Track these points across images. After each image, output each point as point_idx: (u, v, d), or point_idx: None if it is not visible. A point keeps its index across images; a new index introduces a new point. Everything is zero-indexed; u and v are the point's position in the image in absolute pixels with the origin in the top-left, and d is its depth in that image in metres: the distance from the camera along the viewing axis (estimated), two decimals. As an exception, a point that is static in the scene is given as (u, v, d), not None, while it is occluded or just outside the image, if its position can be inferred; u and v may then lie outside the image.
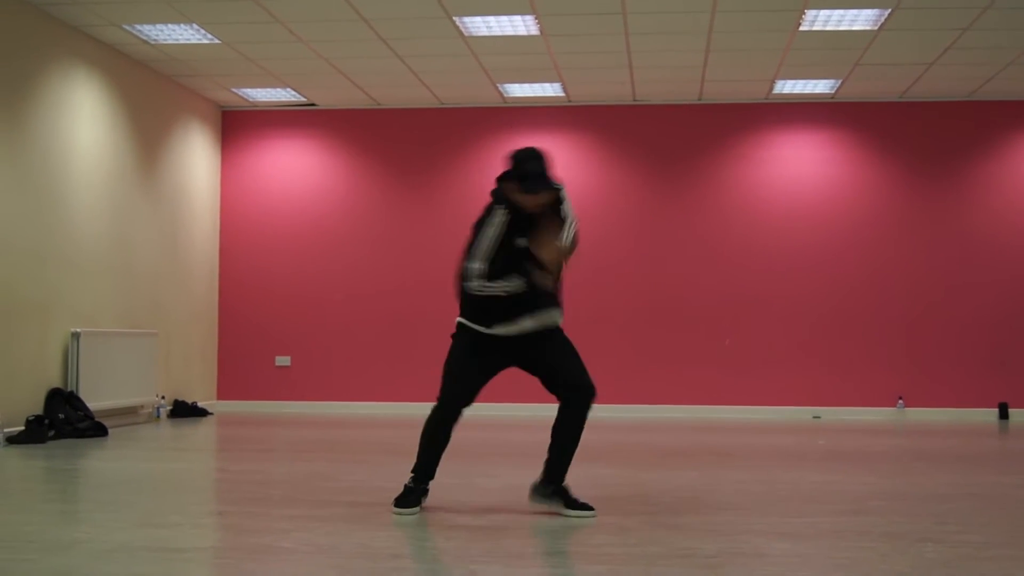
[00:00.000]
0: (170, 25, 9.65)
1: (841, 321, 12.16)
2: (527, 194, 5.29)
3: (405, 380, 12.39)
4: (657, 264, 12.36)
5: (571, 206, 5.58)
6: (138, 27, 9.72)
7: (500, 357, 5.50)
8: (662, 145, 12.46)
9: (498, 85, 11.74)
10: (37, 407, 9.08)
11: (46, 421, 8.93)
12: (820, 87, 11.72)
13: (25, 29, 9.04)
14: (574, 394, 5.38)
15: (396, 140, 12.69)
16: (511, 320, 5.37)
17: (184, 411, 11.53)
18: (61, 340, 9.48)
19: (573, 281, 12.29)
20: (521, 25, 9.57)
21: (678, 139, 12.44)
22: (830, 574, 4.04)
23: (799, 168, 12.30)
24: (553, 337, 5.51)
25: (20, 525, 4.97)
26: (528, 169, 5.32)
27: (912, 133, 12.23)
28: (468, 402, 5.53)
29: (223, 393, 12.76)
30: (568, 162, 12.53)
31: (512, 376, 12.60)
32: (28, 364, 9.02)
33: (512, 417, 11.71)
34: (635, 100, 12.39)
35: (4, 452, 8.04)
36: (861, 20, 9.43)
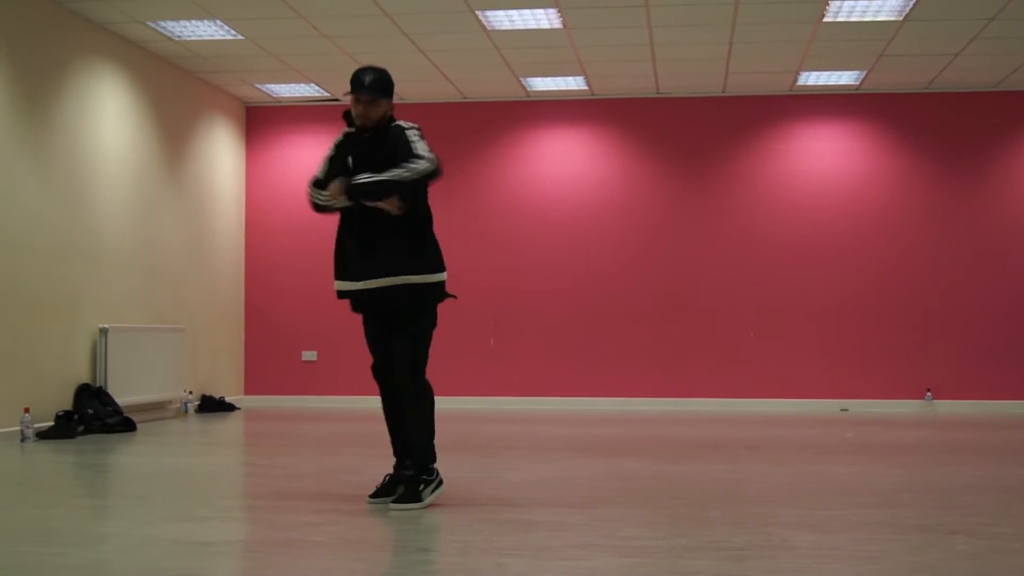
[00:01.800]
0: (194, 21, 9.68)
1: (868, 313, 12.11)
2: (351, 101, 5.17)
3: (433, 372, 12.39)
4: (681, 257, 12.33)
5: (422, 151, 5.14)
6: (162, 24, 9.76)
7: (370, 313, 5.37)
8: (686, 138, 12.42)
9: (521, 79, 11.74)
10: (66, 403, 9.14)
11: (75, 416, 8.99)
12: (845, 78, 11.66)
13: (51, 27, 9.09)
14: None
15: (420, 135, 12.68)
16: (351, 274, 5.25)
17: (211, 406, 11.58)
18: (89, 336, 9.54)
19: (598, 275, 12.35)
20: (544, 19, 9.56)
21: (702, 132, 12.41)
22: (859, 566, 4.02)
23: (824, 160, 12.25)
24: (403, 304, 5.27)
25: (51, 519, 5.00)
26: (353, 78, 5.16)
27: (938, 124, 12.16)
28: (379, 366, 5.44)
29: (250, 388, 12.81)
30: (591, 156, 12.52)
31: (538, 369, 12.62)
32: (57, 360, 9.07)
33: (536, 411, 11.72)
34: (658, 93, 12.37)
35: (34, 447, 8.09)
36: (886, 10, 9.38)
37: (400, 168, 5.05)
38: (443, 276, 5.38)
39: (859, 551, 4.29)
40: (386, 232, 5.16)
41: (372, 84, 5.12)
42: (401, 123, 5.24)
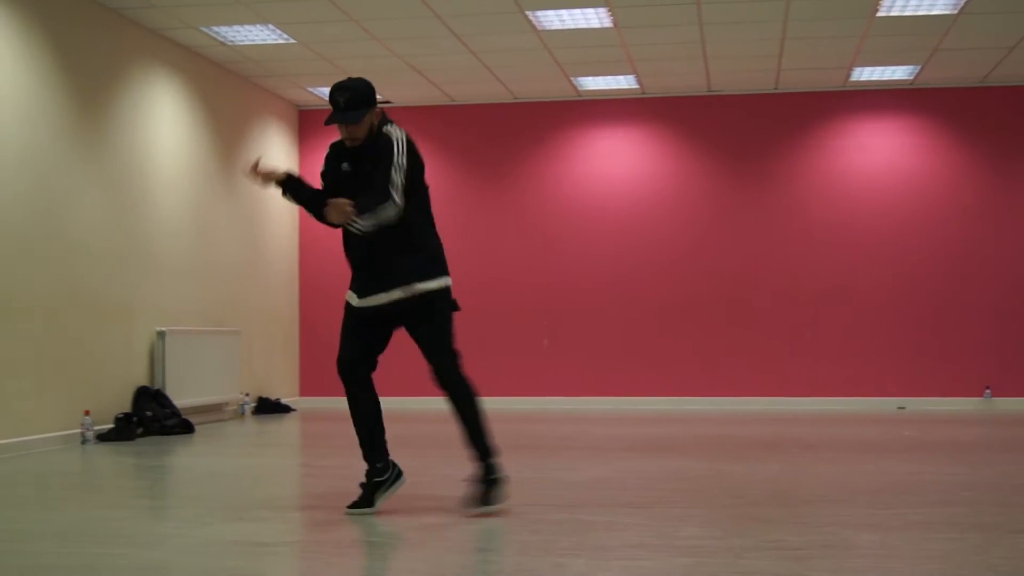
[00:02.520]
0: (246, 26, 9.76)
1: (925, 309, 11.99)
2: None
3: (486, 373, 12.42)
4: (734, 255, 12.27)
5: (397, 165, 4.96)
6: (215, 29, 9.84)
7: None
8: (738, 136, 12.36)
9: (572, 78, 11.73)
10: (125, 405, 9.24)
11: (134, 419, 9.09)
12: (899, 73, 11.55)
13: (107, 34, 9.19)
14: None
15: (470, 135, 12.72)
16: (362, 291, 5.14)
17: (268, 408, 11.67)
18: (147, 339, 9.64)
19: (651, 273, 12.32)
20: (594, 18, 9.55)
21: (754, 129, 12.33)
22: (921, 565, 3.98)
23: (878, 156, 12.14)
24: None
25: (112, 521, 5.06)
26: (331, 101, 4.99)
27: (994, 118, 12.01)
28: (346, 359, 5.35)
29: (305, 389, 12.89)
30: (642, 154, 12.48)
31: (591, 369, 12.60)
32: (116, 363, 9.18)
33: (589, 410, 11.70)
34: (710, 91, 12.31)
35: (94, 449, 8.19)
36: (940, 4, 9.28)
37: (369, 209, 4.87)
38: (447, 281, 5.20)
39: (921, 550, 4.25)
40: (383, 243, 5.02)
41: (348, 104, 4.94)
42: (391, 129, 5.06)
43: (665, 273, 12.36)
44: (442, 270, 5.16)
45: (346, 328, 5.25)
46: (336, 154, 5.15)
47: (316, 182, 5.28)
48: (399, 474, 5.25)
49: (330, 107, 5.05)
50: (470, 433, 5.15)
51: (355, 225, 4.85)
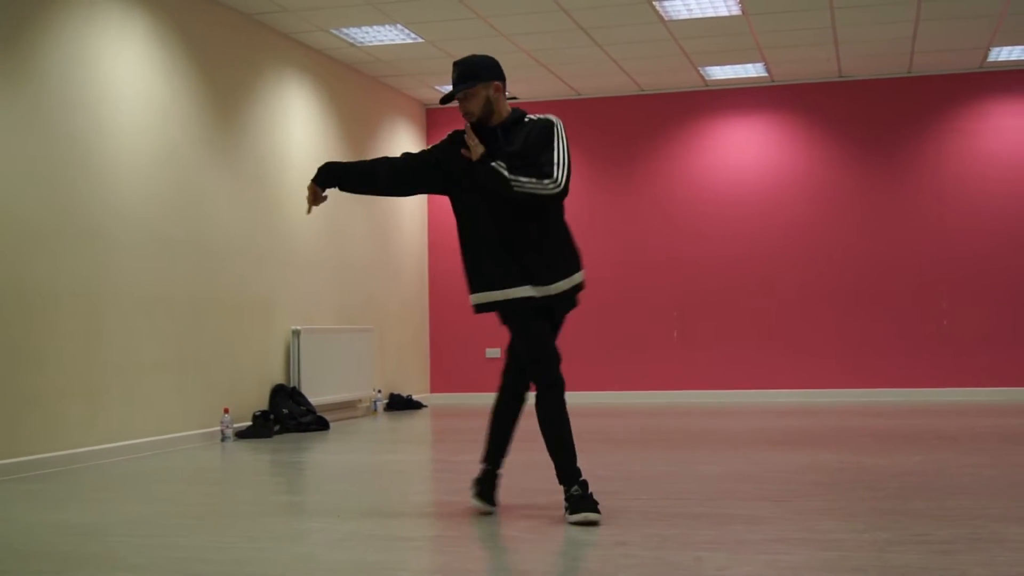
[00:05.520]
0: (375, 27, 9.87)
1: (1069, 296, 11.61)
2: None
3: (617, 367, 12.39)
4: (868, 244, 12.02)
5: (562, 148, 4.77)
6: (345, 30, 9.97)
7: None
8: (870, 121, 12.10)
9: (699, 68, 11.61)
10: (262, 403, 9.42)
11: (271, 416, 9.26)
12: (1039, 52, 11.20)
13: (241, 38, 9.38)
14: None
15: (597, 129, 12.68)
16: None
17: (400, 404, 11.79)
18: (282, 338, 9.81)
19: (781, 264, 12.13)
20: (722, 6, 9.44)
21: (887, 114, 12.06)
22: (1077, 560, 3.86)
23: (1020, 137, 11.76)
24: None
25: (255, 516, 5.16)
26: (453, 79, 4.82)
27: None
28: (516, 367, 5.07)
29: (436, 386, 13.00)
30: (772, 142, 12.31)
31: (722, 361, 12.46)
32: (253, 361, 9.37)
33: (721, 404, 11.59)
34: (841, 76, 12.08)
35: (234, 446, 8.37)
36: (1083, -21, 8.97)
37: (532, 179, 4.67)
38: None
39: (1075, 544, 4.12)
40: (549, 231, 4.86)
41: (459, 78, 4.77)
42: (539, 117, 4.90)
43: (796, 263, 12.17)
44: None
45: (533, 322, 4.84)
46: (459, 141, 4.91)
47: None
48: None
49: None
50: (568, 440, 4.86)
51: (513, 182, 4.65)
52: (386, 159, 5.04)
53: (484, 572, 3.88)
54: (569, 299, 4.90)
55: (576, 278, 4.90)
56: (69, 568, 4.08)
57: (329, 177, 4.98)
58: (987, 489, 5.49)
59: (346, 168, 5.02)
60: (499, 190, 4.70)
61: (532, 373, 4.87)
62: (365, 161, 5.06)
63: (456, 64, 4.85)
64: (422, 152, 5.04)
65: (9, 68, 6.89)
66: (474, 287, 4.91)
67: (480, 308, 4.92)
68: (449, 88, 12.07)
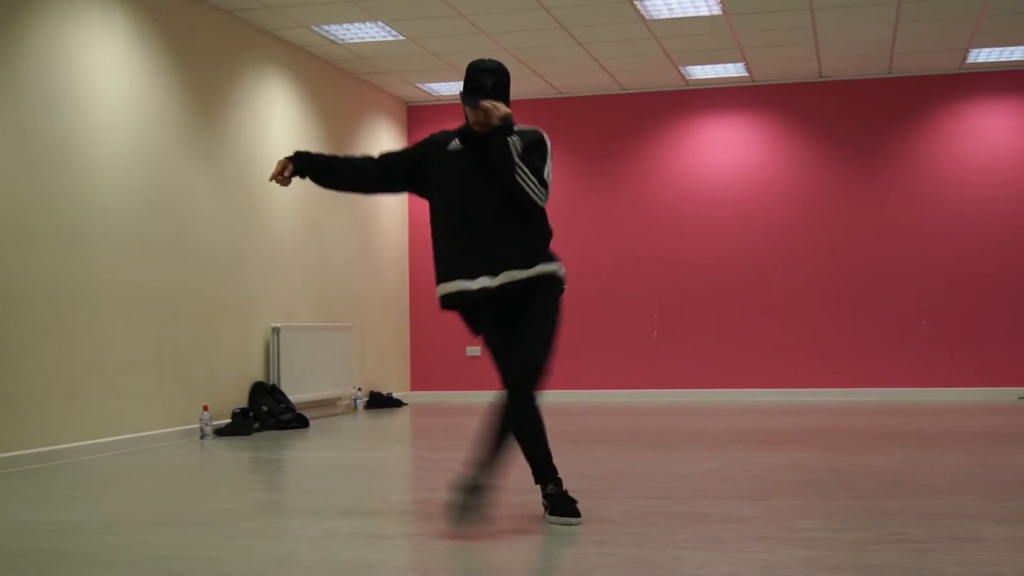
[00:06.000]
0: (356, 24, 9.85)
1: (1047, 297, 11.67)
2: (466, 106, 4.69)
3: (595, 366, 12.41)
4: (846, 244, 12.06)
5: (546, 179, 4.65)
6: (326, 27, 9.96)
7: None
8: (850, 122, 12.14)
9: (680, 68, 11.64)
10: (242, 400, 9.40)
11: (251, 414, 9.25)
12: (1018, 54, 11.23)
13: (221, 35, 9.35)
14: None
15: (577, 128, 12.69)
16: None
17: (380, 402, 11.78)
18: (262, 336, 9.79)
19: (761, 264, 12.17)
20: (703, 6, 9.46)
21: (867, 115, 12.11)
22: (1052, 559, 3.88)
23: (997, 139, 11.82)
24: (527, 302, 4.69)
25: (233, 513, 5.15)
26: (472, 81, 4.72)
27: (1119, 98, 11.65)
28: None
29: (416, 384, 13.00)
30: (752, 142, 12.35)
31: (702, 361, 12.49)
32: (233, 359, 9.34)
33: (700, 403, 11.62)
34: (821, 77, 12.12)
35: (213, 444, 8.35)
36: (1062, -19, 9.02)
37: (529, 177, 4.58)
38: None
39: (1051, 543, 4.14)
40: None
41: (495, 89, 4.69)
42: (528, 128, 4.76)
43: (775, 263, 12.21)
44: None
45: (485, 332, 4.83)
46: (439, 143, 4.83)
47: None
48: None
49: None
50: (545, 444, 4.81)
51: (518, 167, 4.55)
52: (365, 157, 4.99)
53: (462, 570, 3.88)
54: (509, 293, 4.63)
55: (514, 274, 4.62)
56: (47, 566, 4.07)
57: (306, 166, 4.89)
58: (965, 488, 5.52)
59: (323, 160, 4.95)
60: (502, 168, 4.58)
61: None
62: (340, 157, 5.00)
63: (487, 71, 4.72)
64: (403, 151, 4.98)
65: (-12, 63, 6.87)
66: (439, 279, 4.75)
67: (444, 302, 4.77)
68: (434, 85, 12.15)
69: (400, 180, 4.95)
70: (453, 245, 4.68)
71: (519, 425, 4.65)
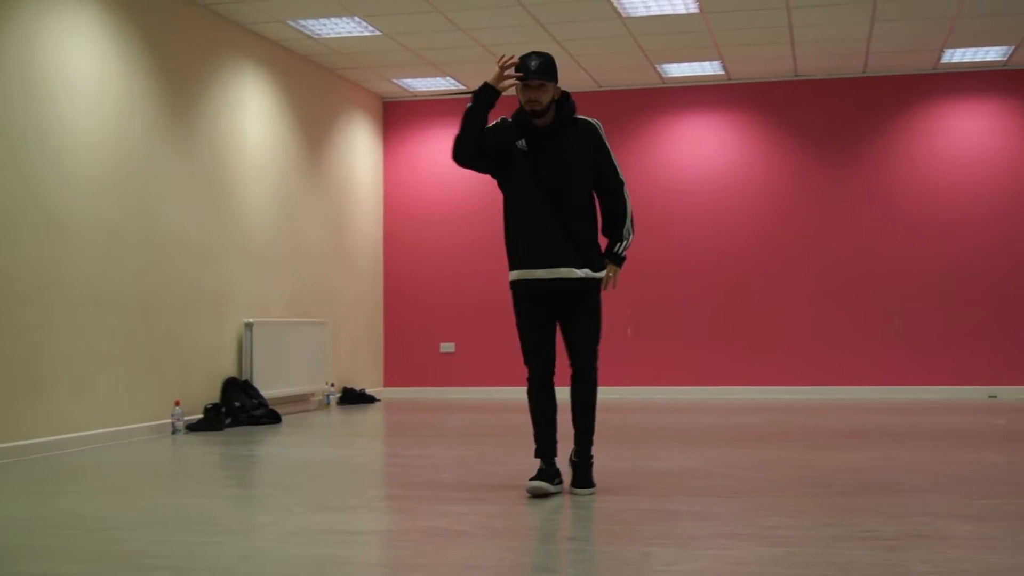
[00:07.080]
0: (333, 19, 9.83)
1: (1018, 296, 11.73)
2: (519, 83, 5.31)
3: (563, 364, 12.39)
4: (822, 242, 12.10)
5: (615, 159, 5.73)
6: (302, 22, 9.93)
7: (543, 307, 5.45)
8: (826, 121, 12.19)
9: (656, 66, 11.65)
10: (214, 396, 9.37)
11: (223, 409, 9.21)
12: (992, 54, 11.30)
13: (197, 30, 9.31)
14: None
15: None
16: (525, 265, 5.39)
17: (353, 398, 11.76)
18: (235, 330, 9.76)
19: (736, 262, 12.20)
20: (680, 4, 9.47)
21: (842, 114, 12.15)
22: (1019, 557, 3.90)
23: (970, 139, 11.89)
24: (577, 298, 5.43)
25: (205, 509, 5.13)
26: (520, 65, 5.33)
27: (1091, 99, 11.72)
28: (539, 360, 5.51)
29: (389, 380, 12.98)
30: (728, 140, 12.37)
31: (676, 359, 12.50)
32: (205, 354, 9.31)
33: (674, 400, 11.65)
34: (797, 75, 12.16)
35: (184, 439, 8.32)
36: (1035, -17, 9.07)
37: (625, 218, 5.69)
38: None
39: (1019, 541, 4.17)
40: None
41: (539, 69, 5.24)
42: (587, 120, 5.56)
43: (749, 260, 12.24)
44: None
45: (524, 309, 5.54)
46: (509, 128, 5.43)
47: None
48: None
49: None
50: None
51: (627, 240, 5.63)
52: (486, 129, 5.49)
53: (433, 566, 3.88)
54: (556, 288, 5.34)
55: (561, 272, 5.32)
56: (15, 561, 4.04)
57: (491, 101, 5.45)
58: (934, 486, 5.55)
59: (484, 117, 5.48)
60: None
61: None
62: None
63: (533, 55, 5.31)
64: (490, 145, 5.47)
65: (-41, 55, 6.82)
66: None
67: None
68: (410, 80, 12.13)
69: (487, 169, 5.54)
70: (523, 238, 5.36)
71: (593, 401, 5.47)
